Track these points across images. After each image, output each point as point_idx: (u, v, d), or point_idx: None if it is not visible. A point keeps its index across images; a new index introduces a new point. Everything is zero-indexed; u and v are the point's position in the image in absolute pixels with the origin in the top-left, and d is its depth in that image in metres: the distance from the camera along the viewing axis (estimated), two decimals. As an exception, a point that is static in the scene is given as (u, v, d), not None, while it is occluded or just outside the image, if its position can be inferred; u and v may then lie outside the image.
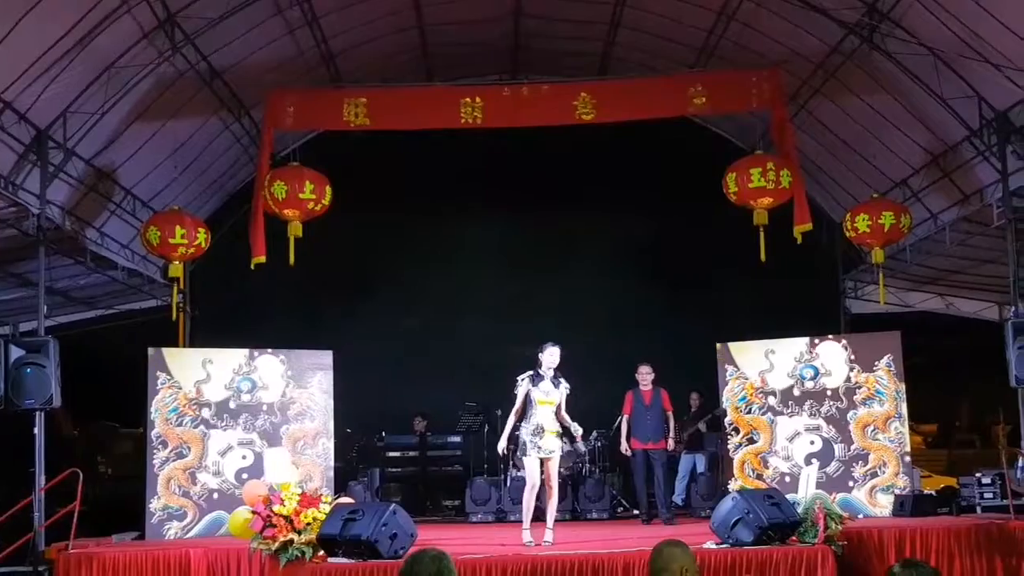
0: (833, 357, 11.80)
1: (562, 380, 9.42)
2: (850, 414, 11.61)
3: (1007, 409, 14.50)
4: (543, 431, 9.26)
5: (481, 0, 13.13)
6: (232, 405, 11.28)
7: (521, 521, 9.61)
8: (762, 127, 13.62)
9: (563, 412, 9.43)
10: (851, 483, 11.46)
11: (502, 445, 9.61)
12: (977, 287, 15.31)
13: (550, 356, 9.36)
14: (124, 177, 12.77)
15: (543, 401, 9.28)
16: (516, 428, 9.56)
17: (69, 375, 10.35)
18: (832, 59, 12.33)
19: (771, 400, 11.84)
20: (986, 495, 11.81)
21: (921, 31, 10.96)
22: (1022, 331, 9.80)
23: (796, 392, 11.80)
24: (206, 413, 11.16)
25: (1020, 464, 11.33)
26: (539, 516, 9.67)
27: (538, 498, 9.52)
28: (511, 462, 13.06)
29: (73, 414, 14.43)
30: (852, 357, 11.73)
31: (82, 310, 14.46)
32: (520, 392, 9.35)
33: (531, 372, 9.39)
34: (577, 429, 9.56)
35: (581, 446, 13.27)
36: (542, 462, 9.35)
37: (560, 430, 9.42)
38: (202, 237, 12.01)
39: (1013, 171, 11.29)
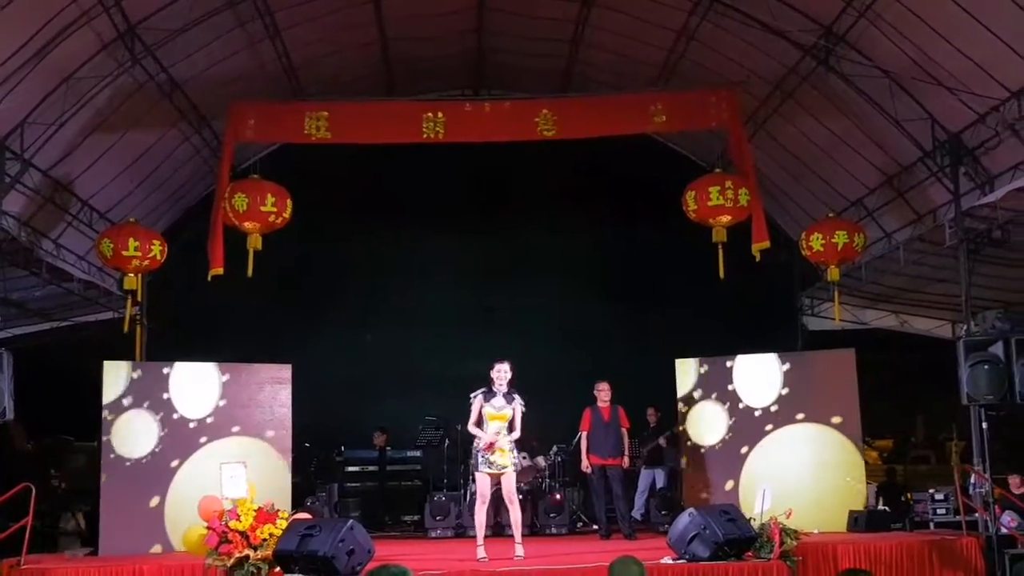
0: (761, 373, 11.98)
1: (516, 396, 9.50)
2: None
3: (960, 426, 14.73)
4: (495, 448, 9.32)
5: (444, 16, 13.19)
6: (188, 418, 11.14)
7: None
8: (721, 146, 13.79)
9: (515, 426, 9.49)
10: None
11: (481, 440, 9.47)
12: (931, 305, 15.55)
13: (498, 373, 9.47)
14: (81, 188, 12.66)
15: (494, 416, 9.38)
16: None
17: (23, 388, 10.18)
18: (789, 80, 12.52)
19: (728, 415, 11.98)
20: (939, 511, 12.00)
21: (876, 54, 11.17)
22: (973, 349, 9.95)
23: (751, 407, 11.92)
24: (163, 427, 11.03)
25: (973, 480, 11.49)
26: (500, 532, 9.70)
27: (498, 513, 9.54)
28: (471, 477, 13.05)
29: (27, 428, 14.21)
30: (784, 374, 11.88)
31: (37, 322, 14.27)
32: (474, 407, 9.46)
33: (484, 389, 9.49)
34: (512, 446, 9.49)
35: (541, 461, 13.37)
36: (495, 478, 9.41)
37: (512, 446, 9.47)
38: (156, 249, 11.93)
39: (965, 192, 11.52)
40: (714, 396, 12.09)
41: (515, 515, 9.56)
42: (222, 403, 11.25)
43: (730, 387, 12.03)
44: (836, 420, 11.58)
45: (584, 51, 13.87)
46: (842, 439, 11.53)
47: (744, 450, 11.84)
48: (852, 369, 11.63)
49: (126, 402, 10.95)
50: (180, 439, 11.04)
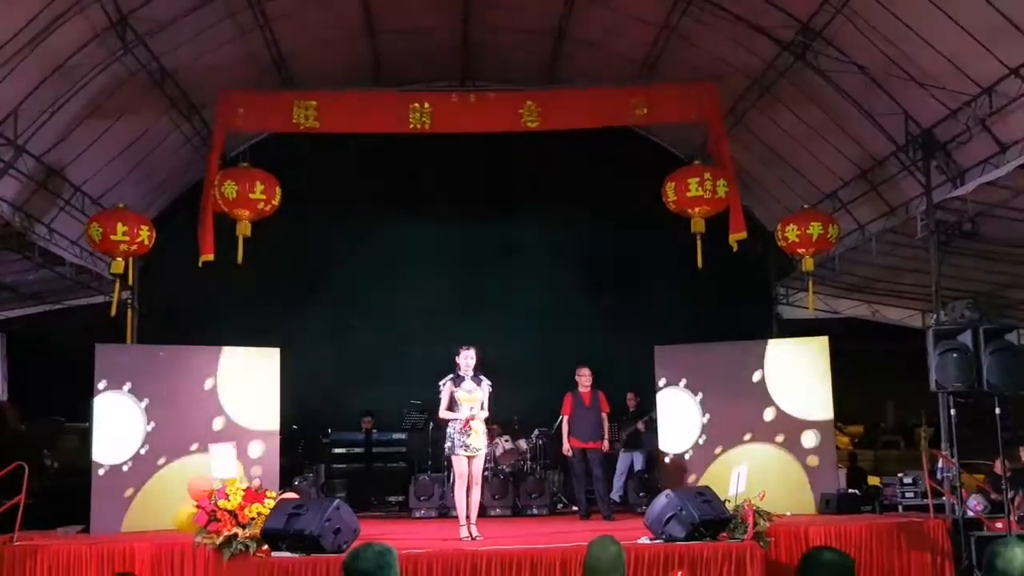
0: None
1: (483, 379, 9.74)
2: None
3: (928, 412, 15.05)
4: (470, 429, 9.57)
5: (431, 8, 13.35)
6: (179, 400, 11.31)
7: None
8: (700, 139, 14.02)
9: (485, 406, 9.74)
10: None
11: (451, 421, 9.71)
12: (902, 295, 15.83)
13: (464, 359, 9.70)
14: (74, 174, 12.80)
15: (466, 399, 9.62)
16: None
17: (16, 370, 10.32)
18: (768, 75, 12.76)
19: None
20: (907, 494, 12.29)
21: (852, 50, 11.41)
22: (943, 338, 10.18)
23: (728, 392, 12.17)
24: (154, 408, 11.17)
25: (940, 465, 11.79)
26: (482, 512, 9.90)
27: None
28: (447, 461, 13.28)
29: (20, 408, 14.37)
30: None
31: (30, 305, 14.40)
32: (444, 394, 9.69)
33: (451, 375, 9.72)
34: (484, 428, 9.80)
35: (523, 444, 13.62)
36: (470, 460, 9.63)
37: (484, 428, 9.73)
38: (144, 235, 12.05)
39: (936, 185, 11.79)
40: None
41: (475, 497, 9.75)
42: (215, 384, 11.39)
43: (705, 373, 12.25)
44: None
45: (568, 44, 14.04)
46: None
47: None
48: (825, 357, 11.89)
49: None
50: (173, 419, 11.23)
